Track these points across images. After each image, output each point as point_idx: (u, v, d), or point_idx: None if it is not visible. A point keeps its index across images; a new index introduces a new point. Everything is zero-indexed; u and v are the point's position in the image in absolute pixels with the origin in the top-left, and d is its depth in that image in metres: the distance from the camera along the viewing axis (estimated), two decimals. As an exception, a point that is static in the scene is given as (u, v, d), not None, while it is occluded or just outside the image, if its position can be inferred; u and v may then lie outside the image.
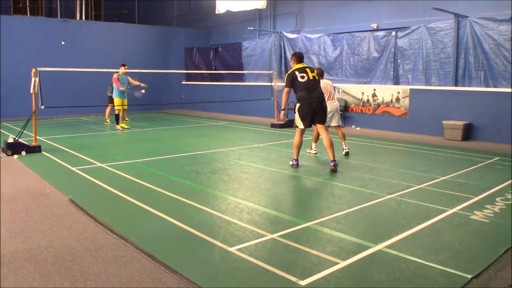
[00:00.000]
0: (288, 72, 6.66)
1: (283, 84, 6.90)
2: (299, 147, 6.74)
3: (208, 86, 17.94)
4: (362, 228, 4.16)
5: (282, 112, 6.99)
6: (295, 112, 6.70)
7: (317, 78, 6.57)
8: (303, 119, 6.53)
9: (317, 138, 7.84)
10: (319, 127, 6.65)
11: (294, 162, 6.77)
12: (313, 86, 6.47)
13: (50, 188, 5.55)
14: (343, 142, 7.86)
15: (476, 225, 4.24)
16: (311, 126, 6.68)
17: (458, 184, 5.84)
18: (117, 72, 11.37)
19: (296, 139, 6.72)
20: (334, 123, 7.69)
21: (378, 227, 4.18)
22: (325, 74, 13.49)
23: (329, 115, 7.29)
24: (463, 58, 10.47)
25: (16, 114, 13.28)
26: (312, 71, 6.57)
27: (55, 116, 14.75)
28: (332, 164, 6.45)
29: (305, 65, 6.65)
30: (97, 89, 15.19)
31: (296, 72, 6.50)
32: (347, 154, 7.77)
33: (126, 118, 13.35)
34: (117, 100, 11.32)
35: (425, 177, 6.15)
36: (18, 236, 3.88)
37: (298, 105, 6.58)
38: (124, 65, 11.58)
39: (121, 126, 11.64)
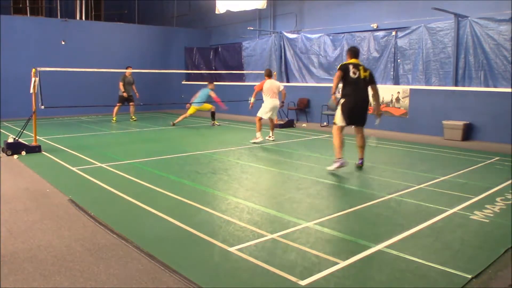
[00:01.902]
0: (342, 63, 6.38)
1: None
2: (342, 145, 6.21)
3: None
4: (362, 228, 4.16)
5: (333, 97, 6.63)
6: (336, 107, 6.38)
7: (367, 79, 6.33)
8: (346, 115, 6.20)
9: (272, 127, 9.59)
10: (356, 129, 6.51)
11: (339, 163, 6.08)
12: (362, 86, 6.28)
13: (50, 188, 5.55)
14: (271, 132, 9.66)
15: (476, 225, 4.24)
16: (351, 125, 6.34)
17: (458, 184, 5.84)
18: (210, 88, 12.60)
19: (336, 139, 6.21)
20: (273, 116, 9.50)
21: (378, 227, 4.18)
22: (324, 73, 13.73)
23: (274, 110, 9.34)
24: (463, 58, 10.47)
25: (16, 114, 13.26)
26: (365, 71, 6.34)
27: (55, 116, 14.75)
28: (360, 162, 6.52)
29: (360, 63, 6.41)
30: (97, 89, 15.21)
31: (350, 66, 6.25)
32: (272, 140, 9.47)
33: (133, 117, 13.71)
34: (193, 108, 12.39)
35: (425, 177, 6.15)
36: (18, 236, 3.88)
37: (342, 100, 6.26)
38: (211, 82, 12.84)
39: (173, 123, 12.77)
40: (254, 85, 9.84)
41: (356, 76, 6.23)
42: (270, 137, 9.53)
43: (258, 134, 9.25)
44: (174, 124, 12.56)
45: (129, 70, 13.25)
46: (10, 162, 7.17)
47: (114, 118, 13.46)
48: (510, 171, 6.57)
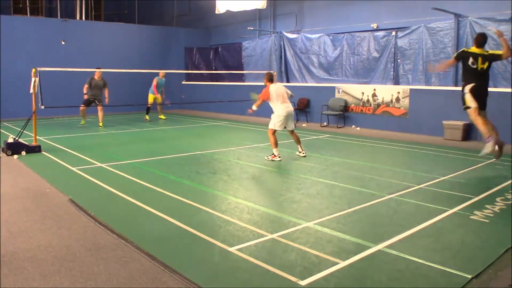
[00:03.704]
0: (462, 50, 6.64)
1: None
2: (486, 123, 6.37)
3: (208, 86, 17.93)
4: (362, 228, 4.16)
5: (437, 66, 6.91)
6: (463, 92, 6.52)
7: (484, 69, 6.44)
8: (474, 96, 6.35)
9: (298, 141, 7.78)
10: (482, 113, 6.50)
11: (491, 139, 6.20)
12: (481, 75, 6.43)
13: (50, 188, 5.55)
14: (299, 146, 7.80)
15: (476, 225, 4.24)
16: (479, 105, 6.41)
17: (458, 184, 5.84)
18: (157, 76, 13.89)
19: (478, 120, 6.34)
20: (291, 127, 7.73)
21: (378, 227, 4.18)
22: (325, 74, 13.72)
23: (289, 119, 7.60)
24: (463, 58, 10.47)
25: (16, 114, 13.27)
26: (484, 62, 6.42)
27: (55, 116, 14.74)
28: (488, 140, 6.35)
29: (481, 52, 6.45)
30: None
31: (470, 56, 6.43)
32: (304, 156, 7.71)
33: (100, 124, 12.28)
34: (150, 97, 13.99)
35: (425, 177, 6.15)
36: (18, 236, 3.88)
37: (470, 85, 6.39)
38: (162, 71, 14.23)
39: (147, 117, 14.09)
40: (259, 92, 7.94)
41: (475, 66, 6.39)
42: (300, 152, 7.76)
43: (274, 150, 7.46)
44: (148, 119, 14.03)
45: (98, 70, 11.92)
46: (10, 162, 7.17)
47: (82, 122, 12.45)
48: (510, 171, 6.57)
